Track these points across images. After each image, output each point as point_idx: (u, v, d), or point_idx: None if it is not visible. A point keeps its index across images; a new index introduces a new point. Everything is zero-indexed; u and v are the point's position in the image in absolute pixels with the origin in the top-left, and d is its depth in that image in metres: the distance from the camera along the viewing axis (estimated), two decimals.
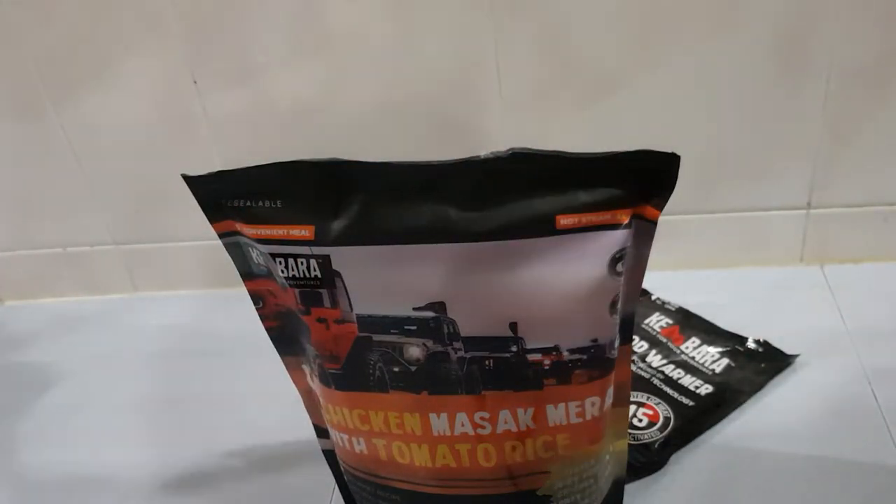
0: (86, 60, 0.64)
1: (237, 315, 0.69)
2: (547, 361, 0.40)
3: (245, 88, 0.64)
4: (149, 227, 0.71)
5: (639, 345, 0.61)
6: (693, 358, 0.60)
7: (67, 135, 0.67)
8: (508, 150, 0.38)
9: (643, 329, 0.62)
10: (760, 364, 0.58)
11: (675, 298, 0.65)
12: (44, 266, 0.74)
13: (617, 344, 0.42)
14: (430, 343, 0.40)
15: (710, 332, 0.62)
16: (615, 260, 0.39)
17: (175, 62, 0.63)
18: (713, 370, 0.58)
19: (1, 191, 0.71)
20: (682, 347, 0.61)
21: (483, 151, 0.39)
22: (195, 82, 0.64)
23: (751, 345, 0.60)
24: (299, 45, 0.62)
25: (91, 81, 0.64)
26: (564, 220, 0.38)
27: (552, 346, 0.40)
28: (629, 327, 0.42)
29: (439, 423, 0.42)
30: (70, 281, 0.75)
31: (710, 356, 0.60)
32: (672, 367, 0.59)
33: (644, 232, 0.39)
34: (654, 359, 0.60)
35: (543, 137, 0.63)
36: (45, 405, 0.64)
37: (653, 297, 0.65)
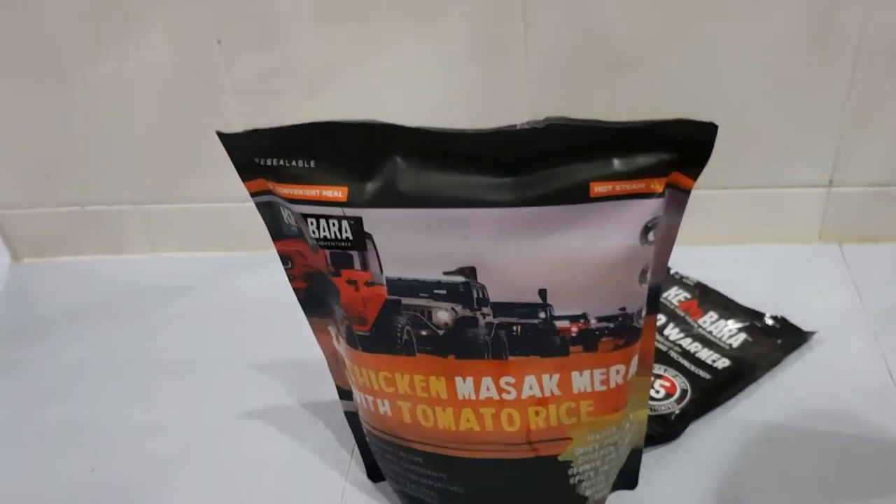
0: (109, 19, 0.63)
1: (255, 277, 0.70)
2: (574, 329, 0.41)
3: (269, 50, 0.63)
4: (168, 188, 0.71)
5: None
6: (710, 332, 0.60)
7: (89, 93, 0.67)
8: (545, 119, 0.38)
9: (661, 303, 0.63)
10: (777, 340, 0.59)
11: (694, 273, 0.65)
12: (62, 224, 0.74)
13: (644, 314, 0.42)
14: (459, 308, 0.41)
15: (727, 308, 0.62)
16: (647, 229, 0.39)
17: (199, 22, 0.63)
18: (730, 345, 0.59)
19: (21, 148, 0.70)
20: (700, 322, 0.61)
21: (519, 121, 0.39)
22: (219, 42, 0.63)
23: (768, 321, 0.60)
24: (325, 8, 0.61)
25: (114, 40, 0.64)
26: (599, 188, 0.38)
27: (580, 313, 0.40)
28: (656, 297, 0.42)
29: (465, 387, 0.42)
30: (88, 240, 0.75)
31: (727, 331, 0.60)
32: (690, 340, 0.59)
33: (677, 201, 0.39)
34: (672, 332, 0.60)
35: (569, 107, 0.63)
36: (64, 363, 0.65)
37: (671, 272, 0.66)
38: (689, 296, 0.63)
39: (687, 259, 0.65)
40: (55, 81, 0.66)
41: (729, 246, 0.69)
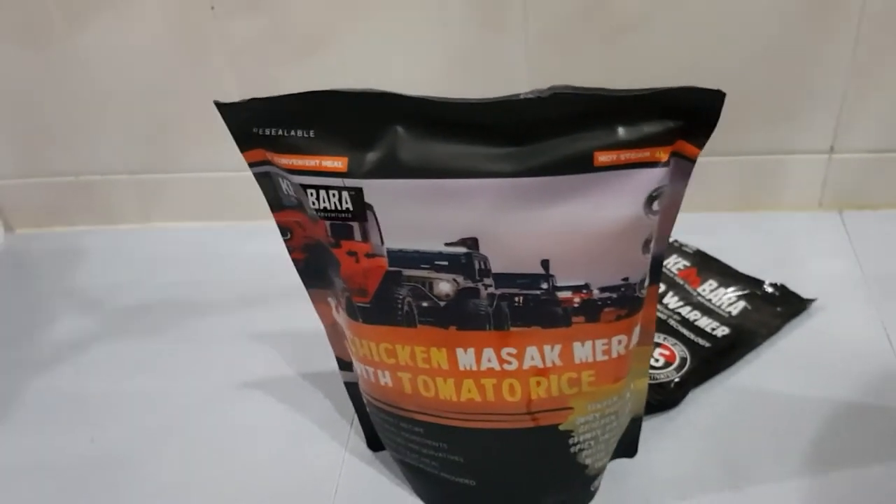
0: None
1: (252, 247, 0.70)
2: (577, 299, 0.40)
3: (264, 15, 0.62)
4: (162, 157, 0.71)
5: None
6: (710, 300, 0.60)
7: (81, 61, 0.66)
8: (549, 88, 0.37)
9: None
10: (776, 307, 0.59)
11: (693, 241, 0.65)
12: (56, 194, 0.74)
13: (646, 284, 0.42)
14: (460, 279, 0.40)
15: (727, 275, 0.62)
16: (652, 198, 0.38)
17: None
18: (729, 312, 0.59)
19: (14, 117, 0.69)
20: (699, 290, 0.61)
21: (518, 86, 0.38)
22: (212, 8, 0.62)
23: (767, 288, 0.60)
24: None
25: (106, 6, 0.63)
26: (603, 158, 0.37)
27: (583, 284, 0.40)
28: (659, 267, 0.42)
29: (466, 357, 0.42)
30: (82, 210, 0.74)
31: (726, 299, 0.60)
32: (689, 308, 0.59)
33: (682, 170, 0.39)
34: (672, 300, 0.60)
35: (569, 71, 0.62)
36: (57, 333, 0.64)
37: (670, 240, 0.65)
38: (688, 264, 0.63)
39: (686, 227, 0.64)
40: (46, 49, 0.65)
41: (729, 213, 0.69)
